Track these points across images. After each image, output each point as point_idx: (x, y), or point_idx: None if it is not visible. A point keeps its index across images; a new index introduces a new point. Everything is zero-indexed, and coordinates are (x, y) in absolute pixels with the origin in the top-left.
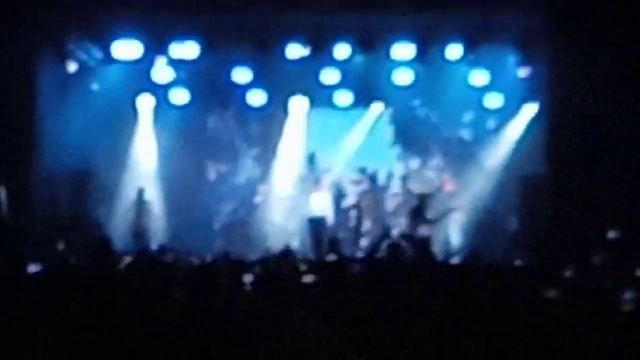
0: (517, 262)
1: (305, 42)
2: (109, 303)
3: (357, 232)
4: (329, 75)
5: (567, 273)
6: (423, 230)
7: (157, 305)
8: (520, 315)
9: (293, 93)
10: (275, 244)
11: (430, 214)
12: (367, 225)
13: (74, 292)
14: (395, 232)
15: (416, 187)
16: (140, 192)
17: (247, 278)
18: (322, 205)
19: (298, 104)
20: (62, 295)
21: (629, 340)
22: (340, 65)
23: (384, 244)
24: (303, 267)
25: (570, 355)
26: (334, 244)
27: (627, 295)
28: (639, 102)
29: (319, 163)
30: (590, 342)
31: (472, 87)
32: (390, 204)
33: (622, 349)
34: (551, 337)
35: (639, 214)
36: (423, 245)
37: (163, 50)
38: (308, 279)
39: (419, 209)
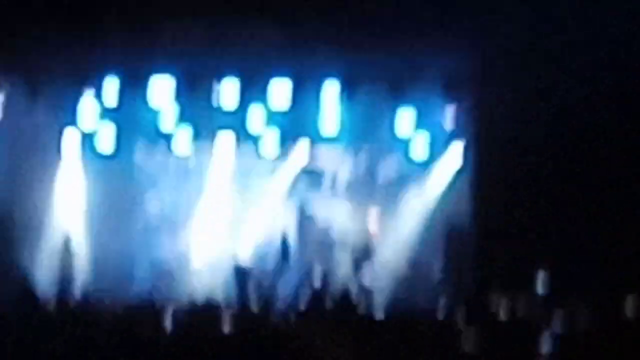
0: (441, 313)
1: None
2: (32, 351)
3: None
4: (257, 118)
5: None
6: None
7: (82, 352)
8: None
9: (219, 134)
10: (200, 293)
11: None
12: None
13: None
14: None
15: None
16: (65, 238)
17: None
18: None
19: (224, 146)
20: None
21: None
22: (268, 107)
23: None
24: (225, 318)
25: None
26: (258, 292)
27: (545, 337)
28: (566, 150)
29: None
30: None
31: (397, 134)
32: None
33: None
34: None
35: (567, 258)
36: (344, 296)
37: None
38: (227, 329)
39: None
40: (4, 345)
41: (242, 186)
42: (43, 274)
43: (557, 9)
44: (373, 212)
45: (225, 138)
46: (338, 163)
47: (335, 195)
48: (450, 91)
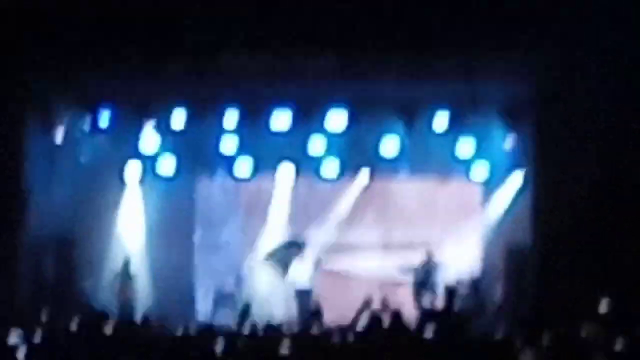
0: (499, 336)
1: (292, 110)
2: None
3: None
4: (317, 145)
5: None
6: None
7: None
8: None
9: (280, 162)
10: (262, 315)
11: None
12: None
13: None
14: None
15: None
16: (126, 263)
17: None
18: (304, 276)
19: (285, 173)
20: None
21: None
22: (328, 134)
23: (365, 315)
24: (285, 340)
25: None
26: (317, 316)
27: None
28: (625, 174)
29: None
30: None
31: (458, 158)
32: None
33: None
34: None
35: (629, 285)
36: (397, 316)
37: (151, 118)
38: (286, 350)
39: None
40: None
41: (303, 211)
42: (105, 297)
43: (616, 32)
44: (434, 234)
45: (286, 166)
46: (399, 188)
47: (397, 219)
48: (510, 119)
